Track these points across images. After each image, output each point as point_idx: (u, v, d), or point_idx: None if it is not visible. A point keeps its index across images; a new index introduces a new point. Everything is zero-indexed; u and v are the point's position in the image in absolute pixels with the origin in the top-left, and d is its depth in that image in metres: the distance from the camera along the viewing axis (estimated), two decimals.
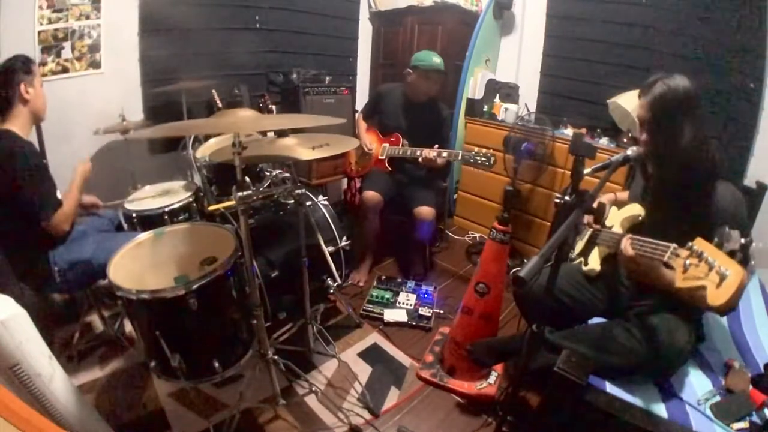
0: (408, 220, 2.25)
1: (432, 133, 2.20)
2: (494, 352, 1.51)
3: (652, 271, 1.06)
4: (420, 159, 2.07)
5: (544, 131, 2.38)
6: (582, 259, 1.45)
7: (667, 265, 0.91)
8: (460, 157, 2.01)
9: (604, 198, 1.53)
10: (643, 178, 1.34)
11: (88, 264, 1.48)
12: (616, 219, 1.37)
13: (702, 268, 0.79)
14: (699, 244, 0.83)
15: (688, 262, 0.83)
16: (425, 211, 2.15)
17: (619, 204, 1.45)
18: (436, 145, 2.07)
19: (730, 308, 0.75)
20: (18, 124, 1.38)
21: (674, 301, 1.15)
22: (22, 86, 1.37)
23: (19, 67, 1.39)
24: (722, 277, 0.75)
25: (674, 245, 0.91)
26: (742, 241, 0.82)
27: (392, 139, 2.25)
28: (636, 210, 1.31)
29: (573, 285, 1.41)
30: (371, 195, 2.16)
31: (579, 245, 1.57)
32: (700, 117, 1.12)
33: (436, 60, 2.12)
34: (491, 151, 1.95)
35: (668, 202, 1.19)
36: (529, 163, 2.41)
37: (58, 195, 1.44)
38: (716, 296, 0.74)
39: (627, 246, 1.08)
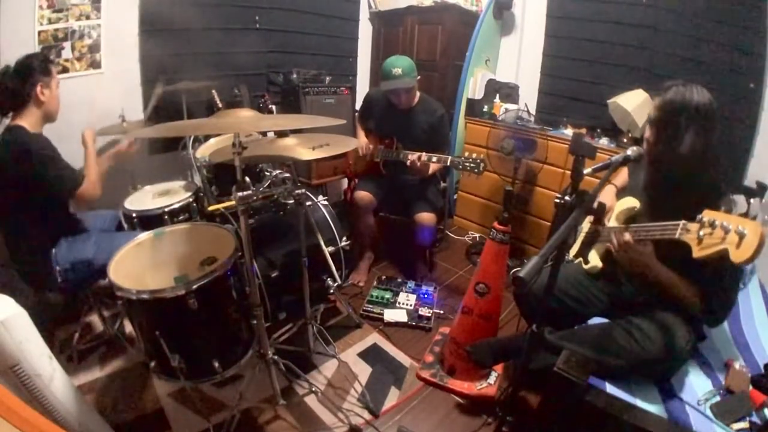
0: (408, 221, 2.24)
1: (428, 137, 2.16)
2: (494, 352, 1.50)
3: (647, 260, 1.11)
4: (407, 163, 2.01)
5: (527, 127, 2.37)
6: (581, 258, 1.45)
7: (679, 242, 0.93)
8: (449, 163, 1.95)
9: (607, 193, 1.50)
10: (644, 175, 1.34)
11: (90, 264, 1.48)
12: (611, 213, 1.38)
13: (717, 233, 0.84)
14: (708, 215, 0.87)
15: (702, 233, 0.87)
16: (426, 217, 2.15)
17: (620, 193, 1.46)
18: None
19: (753, 260, 0.81)
20: (29, 122, 1.37)
21: (671, 302, 1.16)
22: (39, 87, 1.35)
23: (38, 66, 1.36)
24: (741, 236, 0.81)
25: (683, 221, 0.94)
26: (752, 201, 0.84)
27: (387, 141, 2.24)
28: (630, 202, 1.32)
29: (574, 285, 1.42)
30: (362, 195, 2.18)
31: (573, 248, 1.57)
32: (709, 135, 1.11)
33: (396, 71, 1.97)
34: (483, 155, 1.93)
35: (665, 200, 1.21)
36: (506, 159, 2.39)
37: None
38: (740, 254, 0.81)
39: (624, 234, 1.10)
